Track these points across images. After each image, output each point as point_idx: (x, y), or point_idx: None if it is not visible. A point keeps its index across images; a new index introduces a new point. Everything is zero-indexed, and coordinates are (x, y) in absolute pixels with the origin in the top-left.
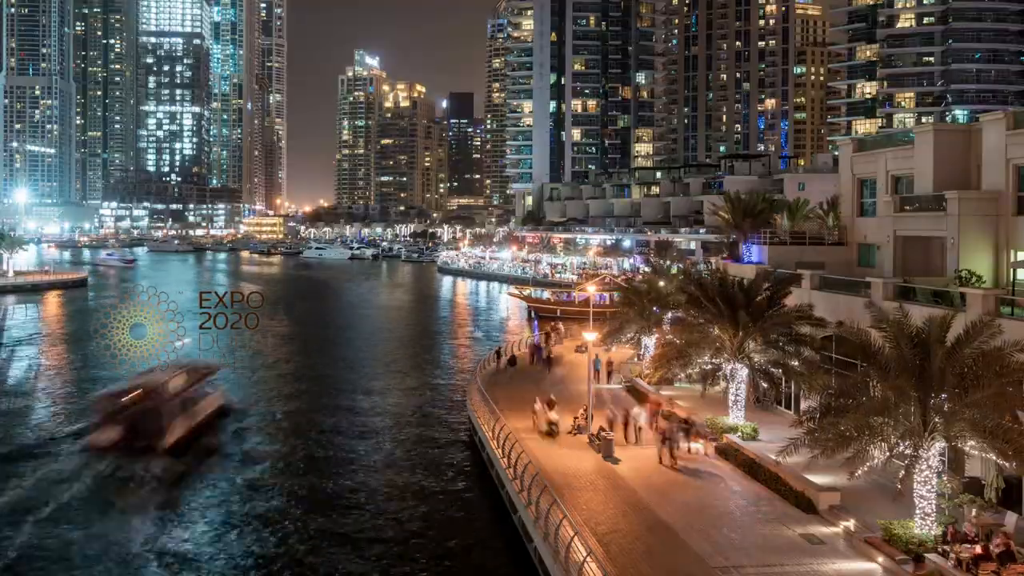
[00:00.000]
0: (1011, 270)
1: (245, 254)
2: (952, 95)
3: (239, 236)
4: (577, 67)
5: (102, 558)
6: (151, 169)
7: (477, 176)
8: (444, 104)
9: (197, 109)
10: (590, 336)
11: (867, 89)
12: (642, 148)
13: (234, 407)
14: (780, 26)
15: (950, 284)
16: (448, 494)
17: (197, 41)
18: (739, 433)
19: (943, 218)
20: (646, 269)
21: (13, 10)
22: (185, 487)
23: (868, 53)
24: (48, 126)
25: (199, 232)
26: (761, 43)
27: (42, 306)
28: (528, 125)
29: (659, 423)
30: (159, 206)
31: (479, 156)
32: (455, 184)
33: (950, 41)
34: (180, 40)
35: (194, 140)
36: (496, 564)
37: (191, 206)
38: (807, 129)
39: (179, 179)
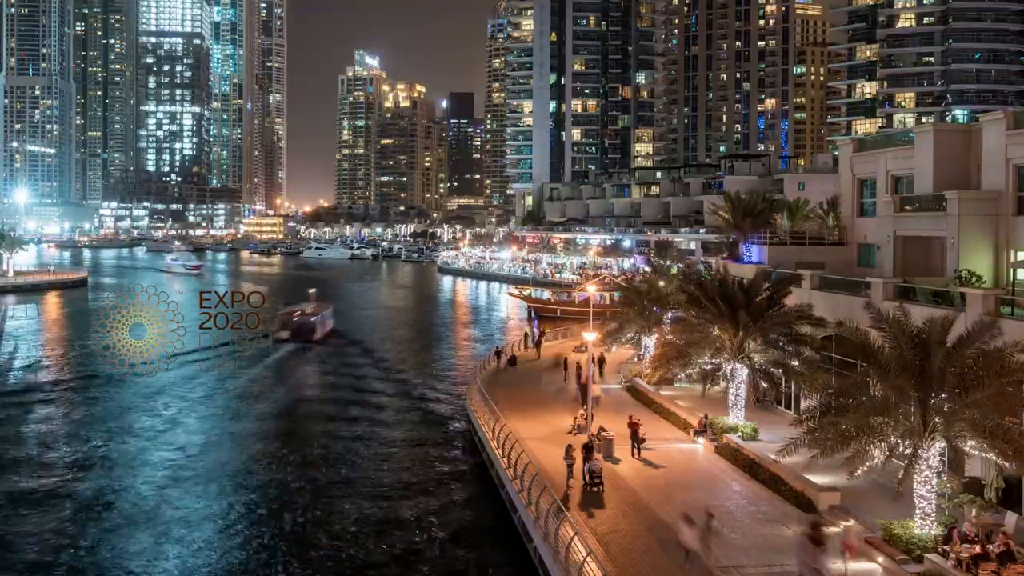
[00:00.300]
0: (1011, 270)
1: (245, 254)
2: (952, 95)
3: (239, 236)
4: (577, 67)
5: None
6: (151, 169)
7: (477, 176)
8: (444, 104)
9: (197, 109)
10: (590, 336)
11: (867, 89)
12: (642, 148)
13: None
14: (780, 26)
15: (950, 284)
16: (448, 494)
17: (197, 41)
18: (739, 433)
19: (943, 218)
20: (646, 269)
21: (13, 10)
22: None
23: (868, 53)
24: (48, 126)
25: (199, 232)
26: (761, 43)
27: (41, 305)
28: (528, 125)
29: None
30: (159, 206)
31: (479, 156)
32: (455, 184)
33: (950, 41)
34: (180, 40)
35: (194, 140)
36: (496, 564)
37: (191, 206)
38: (807, 129)
39: (179, 179)
